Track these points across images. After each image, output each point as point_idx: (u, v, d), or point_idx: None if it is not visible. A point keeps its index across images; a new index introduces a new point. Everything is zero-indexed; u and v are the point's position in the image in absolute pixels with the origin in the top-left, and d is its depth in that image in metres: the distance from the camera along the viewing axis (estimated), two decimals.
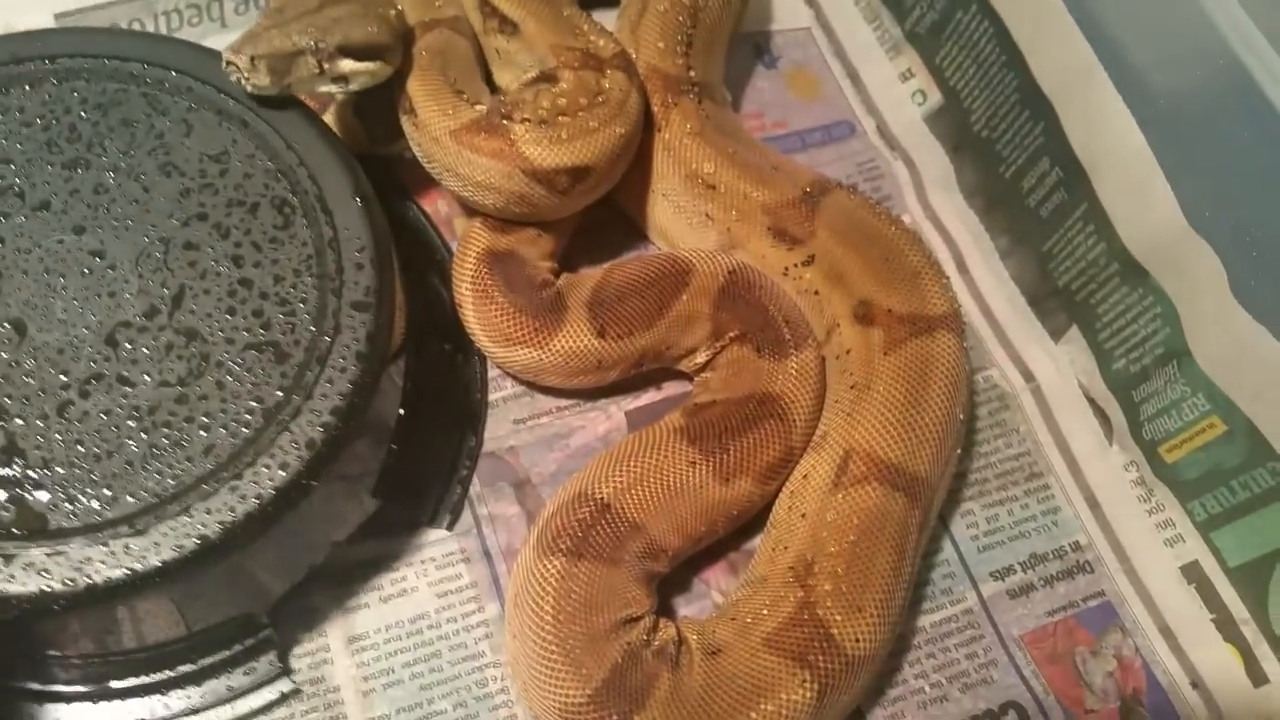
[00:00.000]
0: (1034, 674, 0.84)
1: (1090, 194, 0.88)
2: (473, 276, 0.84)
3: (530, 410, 0.90)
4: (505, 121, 0.80)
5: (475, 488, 0.86)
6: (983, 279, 0.99)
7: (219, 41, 1.00)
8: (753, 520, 0.83)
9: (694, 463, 0.78)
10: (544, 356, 0.83)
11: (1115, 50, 0.86)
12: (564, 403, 0.90)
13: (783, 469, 0.80)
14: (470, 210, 0.88)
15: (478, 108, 0.81)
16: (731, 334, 0.84)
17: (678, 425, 0.80)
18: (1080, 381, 0.94)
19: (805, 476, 0.79)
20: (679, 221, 0.91)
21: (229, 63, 0.75)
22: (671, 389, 0.92)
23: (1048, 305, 0.96)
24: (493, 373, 0.91)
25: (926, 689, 0.82)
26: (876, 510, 0.75)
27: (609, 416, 0.90)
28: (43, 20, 0.96)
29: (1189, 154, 0.82)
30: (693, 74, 0.90)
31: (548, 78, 0.85)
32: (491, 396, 0.90)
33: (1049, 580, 0.88)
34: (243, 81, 0.75)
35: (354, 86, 0.81)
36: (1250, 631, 0.85)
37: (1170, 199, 0.82)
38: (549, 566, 0.73)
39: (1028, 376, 0.95)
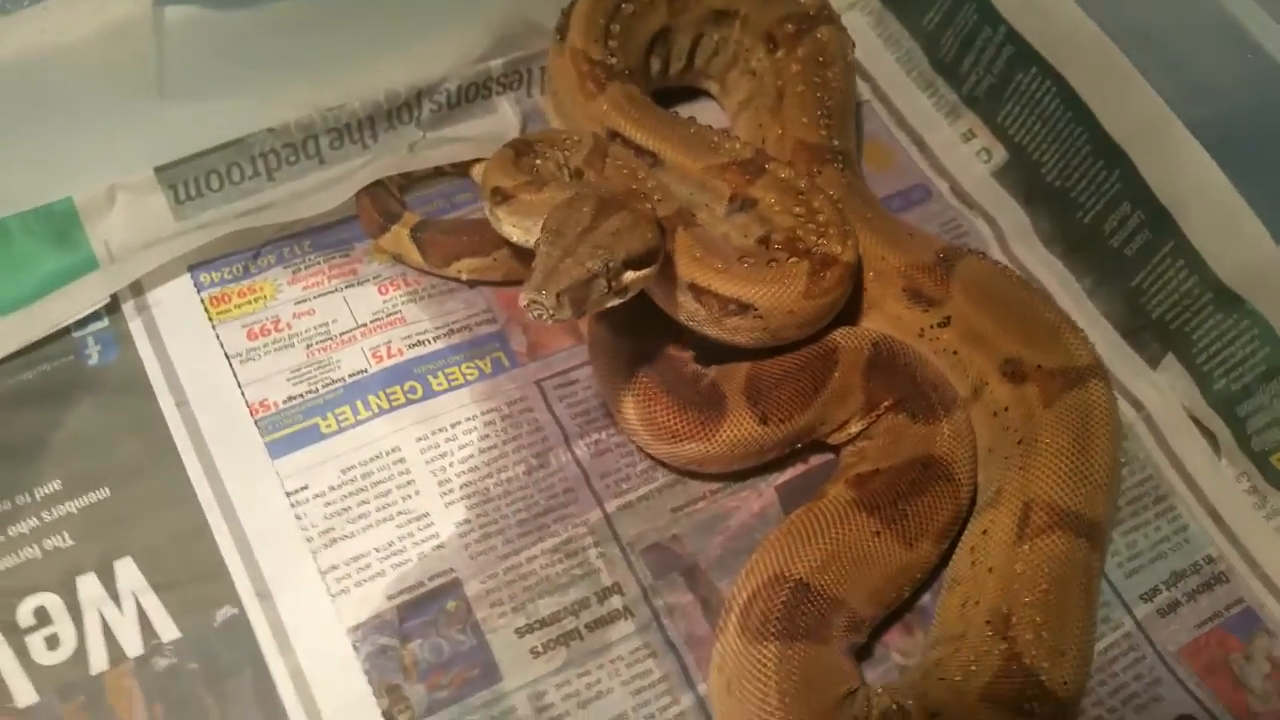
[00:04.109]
0: (1198, 685, 0.88)
1: (1176, 232, 0.95)
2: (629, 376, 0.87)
3: (685, 497, 0.93)
4: (816, 249, 0.83)
5: (648, 580, 0.88)
6: (1076, 319, 1.05)
7: (319, 178, 1.04)
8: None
9: (877, 532, 0.81)
10: (711, 448, 0.86)
11: (1182, 90, 0.92)
12: (715, 486, 0.93)
13: (955, 527, 0.85)
14: None
15: (792, 262, 0.83)
16: (886, 403, 0.88)
17: (850, 497, 0.84)
18: (1183, 404, 1.00)
19: (985, 532, 0.83)
20: None
21: (533, 302, 0.71)
22: (815, 460, 0.95)
23: (1142, 338, 1.02)
24: (642, 464, 0.93)
25: (1105, 715, 0.87)
26: (1064, 557, 0.79)
27: (760, 494, 0.93)
28: (145, 175, 0.97)
29: (1273, 180, 0.89)
30: (835, 143, 0.96)
31: (748, 202, 0.88)
32: (645, 489, 0.92)
33: (1191, 595, 0.93)
34: (545, 317, 0.71)
35: (630, 295, 0.78)
36: None
37: (1259, 228, 0.89)
38: (764, 652, 0.76)
39: (1137, 406, 1.01)
